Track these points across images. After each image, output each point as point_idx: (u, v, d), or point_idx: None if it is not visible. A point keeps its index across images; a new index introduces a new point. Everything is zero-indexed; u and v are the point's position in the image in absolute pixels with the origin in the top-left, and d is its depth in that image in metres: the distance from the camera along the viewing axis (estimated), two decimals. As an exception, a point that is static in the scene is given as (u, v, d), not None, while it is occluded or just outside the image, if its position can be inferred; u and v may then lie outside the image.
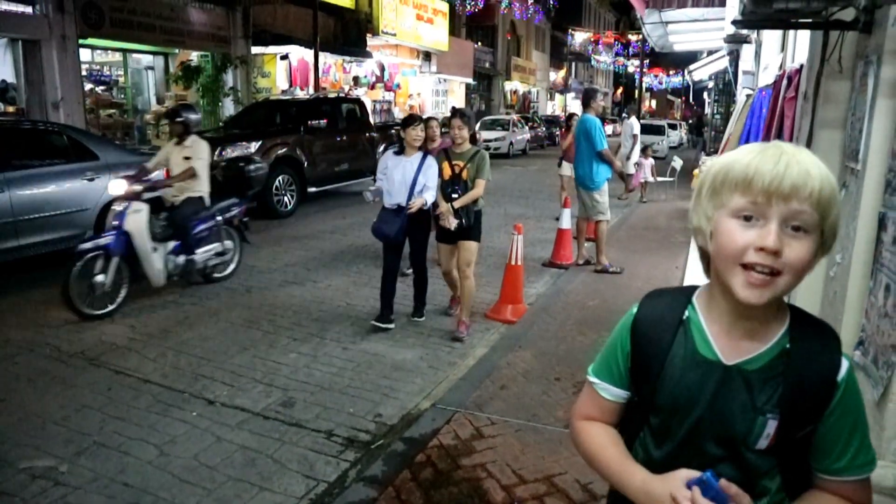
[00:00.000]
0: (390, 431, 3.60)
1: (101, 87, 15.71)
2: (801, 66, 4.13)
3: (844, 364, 1.04)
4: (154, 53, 16.36)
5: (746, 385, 1.04)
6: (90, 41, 13.70)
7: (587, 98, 7.36)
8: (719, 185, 1.03)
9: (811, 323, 1.08)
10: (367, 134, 13.19)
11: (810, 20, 3.18)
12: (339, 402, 3.92)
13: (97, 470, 3.14)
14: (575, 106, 48.98)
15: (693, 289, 1.16)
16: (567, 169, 10.11)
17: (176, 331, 5.06)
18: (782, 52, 6.51)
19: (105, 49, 15.38)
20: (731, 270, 1.00)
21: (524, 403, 3.81)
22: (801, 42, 4.71)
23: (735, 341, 1.06)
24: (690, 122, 39.56)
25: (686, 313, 1.12)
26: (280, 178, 10.46)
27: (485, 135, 23.12)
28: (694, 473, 1.01)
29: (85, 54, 14.36)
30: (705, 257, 1.12)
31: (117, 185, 5.69)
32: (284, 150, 10.69)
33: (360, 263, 7.38)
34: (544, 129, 31.03)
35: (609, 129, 11.78)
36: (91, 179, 6.97)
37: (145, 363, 4.43)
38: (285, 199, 10.58)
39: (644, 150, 13.77)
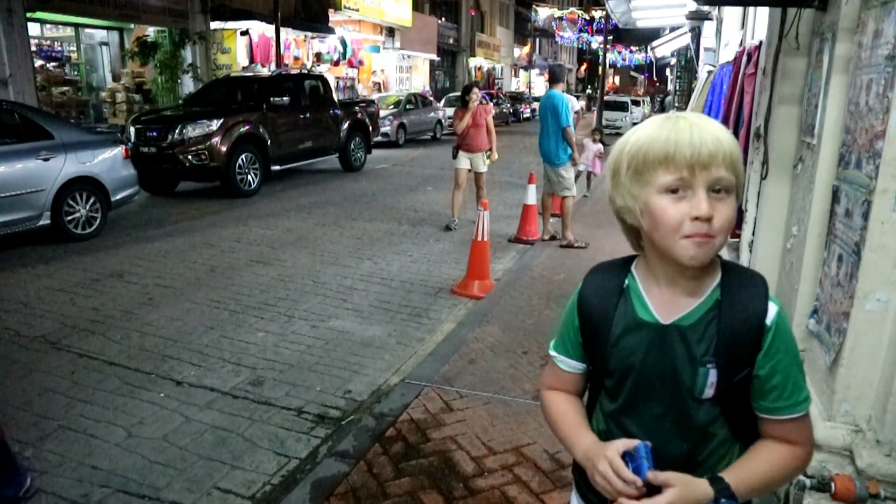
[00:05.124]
0: (360, 407, 3.63)
1: (53, 64, 15.17)
2: (761, 42, 4.21)
3: (773, 308, 1.09)
4: (108, 28, 15.84)
5: (684, 340, 1.11)
6: (39, 15, 13.18)
7: (555, 74, 7.38)
8: (641, 165, 1.07)
9: (740, 273, 1.15)
10: (331, 111, 13.04)
11: (769, -3, 3.24)
12: (308, 380, 3.93)
13: (63, 454, 3.10)
14: (540, 82, 49.00)
15: (632, 258, 1.23)
16: (464, 160, 8.00)
17: (140, 312, 4.99)
18: (742, 28, 6.61)
19: (55, 23, 14.85)
20: (672, 242, 1.06)
21: (492, 377, 3.87)
22: (761, 19, 4.79)
23: (672, 301, 1.13)
24: (657, 98, 40.10)
25: (626, 282, 1.19)
26: (243, 156, 10.29)
27: (449, 112, 23.01)
28: (631, 443, 1.08)
29: (34, 29, 13.82)
30: (632, 232, 1.19)
31: None
32: (247, 128, 10.51)
33: (327, 241, 7.34)
34: (508, 105, 31.07)
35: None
36: (46, 159, 6.77)
37: (110, 345, 4.36)
38: (248, 177, 10.43)
39: (592, 134, 11.54)
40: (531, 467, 2.93)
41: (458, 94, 26.74)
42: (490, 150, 8.07)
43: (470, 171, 8.05)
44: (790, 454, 1.12)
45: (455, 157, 8.04)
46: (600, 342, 1.18)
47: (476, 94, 7.96)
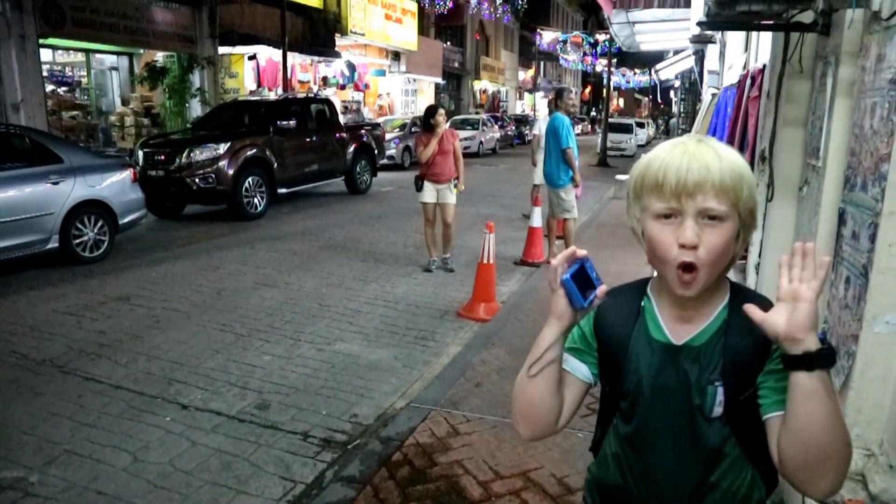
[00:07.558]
0: (366, 431, 3.61)
1: (64, 89, 15.39)
2: (764, 66, 4.24)
3: None
4: (118, 54, 16.07)
5: (695, 360, 1.13)
6: (51, 41, 13.40)
7: (557, 97, 7.44)
8: (640, 190, 1.11)
9: (748, 295, 1.16)
10: (337, 134, 13.14)
11: (772, 22, 3.27)
12: (314, 404, 3.92)
13: (69, 479, 3.09)
14: (543, 105, 49.28)
15: (647, 280, 1.25)
16: (430, 193, 6.94)
17: (147, 335, 4.99)
18: (746, 52, 6.66)
19: (67, 49, 15.08)
20: (664, 270, 1.09)
21: (499, 400, 3.84)
22: (764, 43, 4.83)
23: (682, 323, 1.15)
24: (662, 120, 40.41)
25: (642, 303, 1.21)
26: (250, 179, 10.36)
27: (459, 134, 23.10)
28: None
29: (46, 54, 14.03)
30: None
31: None
32: (254, 151, 10.60)
33: (333, 264, 7.36)
34: (514, 128, 31.26)
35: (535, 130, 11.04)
36: (55, 183, 6.83)
37: (116, 369, 4.36)
38: (255, 200, 10.49)
39: None
40: (539, 492, 2.90)
41: (464, 117, 27.08)
42: (457, 178, 7.03)
43: (437, 204, 7.04)
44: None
45: (419, 189, 6.99)
46: (618, 362, 1.19)
47: (442, 116, 6.95)
